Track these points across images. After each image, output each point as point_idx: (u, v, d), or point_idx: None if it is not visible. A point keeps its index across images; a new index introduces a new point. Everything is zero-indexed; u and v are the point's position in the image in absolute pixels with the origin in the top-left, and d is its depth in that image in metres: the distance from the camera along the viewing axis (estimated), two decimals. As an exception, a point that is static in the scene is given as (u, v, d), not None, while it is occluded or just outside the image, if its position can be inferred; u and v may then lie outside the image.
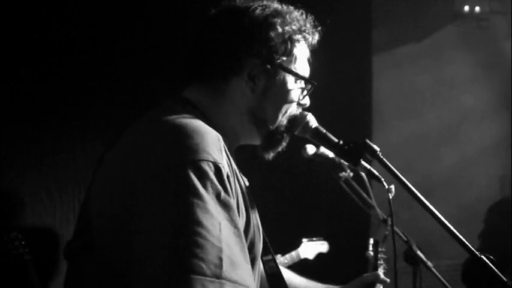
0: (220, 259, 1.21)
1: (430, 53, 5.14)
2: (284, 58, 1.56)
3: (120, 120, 3.71)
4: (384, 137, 4.71)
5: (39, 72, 3.69)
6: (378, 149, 1.67)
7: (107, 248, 1.34)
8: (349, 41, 4.48)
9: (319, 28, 1.66)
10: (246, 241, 1.41)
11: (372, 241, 2.31)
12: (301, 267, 3.64)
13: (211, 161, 1.28)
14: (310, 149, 2.10)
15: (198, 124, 1.37)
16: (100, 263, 1.36)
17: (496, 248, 4.51)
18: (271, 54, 1.54)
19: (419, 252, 2.51)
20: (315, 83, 1.63)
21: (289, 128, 1.64)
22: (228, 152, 1.43)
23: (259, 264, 1.60)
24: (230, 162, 1.42)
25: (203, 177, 1.26)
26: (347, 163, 1.79)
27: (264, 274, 1.70)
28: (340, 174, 2.20)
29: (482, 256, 1.60)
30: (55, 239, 3.74)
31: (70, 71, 3.76)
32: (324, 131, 1.70)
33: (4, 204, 3.63)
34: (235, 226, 1.29)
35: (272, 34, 1.54)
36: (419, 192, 1.64)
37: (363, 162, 1.70)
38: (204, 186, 1.26)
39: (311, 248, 3.87)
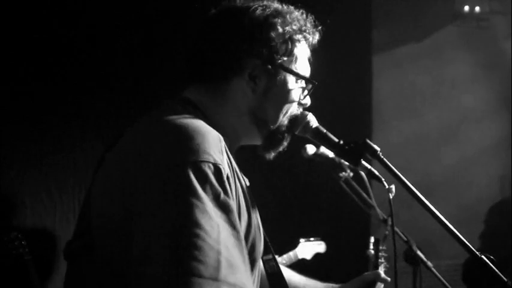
0: (218, 261, 1.21)
1: (430, 53, 5.14)
2: (285, 58, 1.56)
3: (120, 120, 3.71)
4: (383, 137, 4.71)
5: (39, 72, 3.69)
6: (378, 148, 1.67)
7: (107, 248, 1.34)
8: (349, 41, 4.48)
9: (320, 28, 1.66)
10: (248, 242, 1.42)
11: (372, 239, 2.31)
12: (302, 266, 3.64)
13: (211, 162, 1.28)
14: (310, 149, 2.10)
15: (199, 124, 1.37)
16: (100, 263, 1.36)
17: (496, 248, 4.51)
18: (272, 55, 1.54)
19: (419, 252, 2.51)
20: (315, 83, 1.63)
21: (290, 127, 1.64)
22: (228, 153, 1.43)
23: (260, 264, 1.60)
24: (231, 162, 1.42)
25: (203, 178, 1.26)
26: (347, 163, 1.80)
27: (264, 273, 1.70)
28: (340, 174, 2.20)
29: (483, 256, 1.60)
30: (55, 239, 3.74)
31: (70, 71, 3.76)
32: (325, 130, 1.70)
33: (4, 204, 3.63)
34: (234, 228, 1.29)
35: (273, 34, 1.54)
36: (420, 192, 1.64)
37: (363, 162, 1.70)
38: (204, 188, 1.26)
39: (308, 248, 3.88)
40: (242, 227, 1.39)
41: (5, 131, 3.62)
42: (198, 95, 1.56)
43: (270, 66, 1.54)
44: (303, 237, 3.96)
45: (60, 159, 3.79)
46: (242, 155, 1.64)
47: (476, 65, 5.23)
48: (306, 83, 1.63)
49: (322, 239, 4.06)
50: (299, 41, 1.60)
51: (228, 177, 1.32)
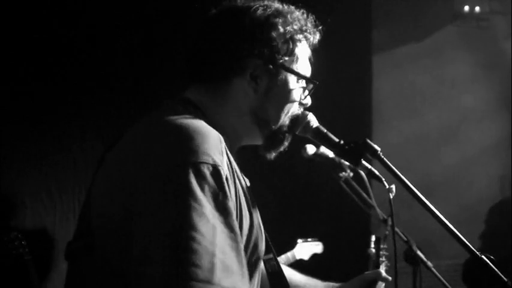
0: (213, 264, 1.21)
1: (430, 53, 5.14)
2: (286, 58, 1.56)
3: (120, 120, 3.71)
4: (383, 137, 4.71)
5: (39, 72, 3.69)
6: (378, 148, 1.67)
7: (107, 248, 1.34)
8: (349, 41, 4.48)
9: (320, 28, 1.66)
10: (250, 242, 1.42)
11: (373, 238, 2.31)
12: (302, 265, 3.65)
13: (210, 164, 1.28)
14: (310, 149, 2.10)
15: (199, 125, 1.37)
16: (100, 264, 1.36)
17: (497, 248, 4.51)
18: (274, 54, 1.53)
19: (419, 252, 2.51)
20: (316, 83, 1.63)
21: (290, 127, 1.64)
22: (229, 153, 1.43)
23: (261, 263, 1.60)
24: (231, 163, 1.42)
25: (202, 180, 1.26)
26: (347, 163, 1.79)
27: (265, 273, 1.70)
28: (340, 174, 2.20)
29: (483, 256, 1.59)
30: (55, 239, 3.74)
31: (70, 71, 3.76)
32: (325, 130, 1.70)
33: (4, 204, 3.63)
34: (232, 230, 1.29)
35: (274, 34, 1.53)
36: (420, 192, 1.64)
37: (363, 162, 1.70)
38: (202, 190, 1.26)
39: (306, 249, 3.89)
40: (244, 227, 1.39)
41: (5, 131, 3.62)
42: (199, 95, 1.56)
43: (271, 66, 1.54)
44: (303, 237, 3.96)
45: (60, 159, 3.79)
46: (242, 155, 1.64)
47: (476, 65, 5.23)
48: (306, 82, 1.63)
49: (322, 239, 4.06)
50: (300, 40, 1.59)
51: (227, 179, 1.32)
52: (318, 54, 1.68)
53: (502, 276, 1.57)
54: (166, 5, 3.90)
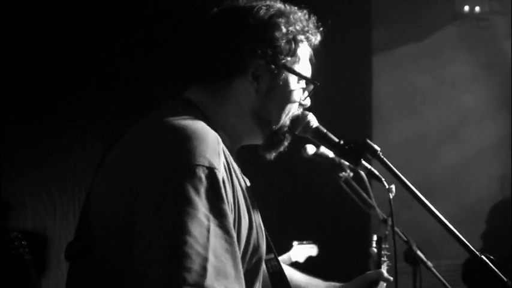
0: (204, 268, 1.21)
1: (430, 53, 5.14)
2: (288, 58, 1.56)
3: (120, 120, 3.72)
4: (383, 137, 4.71)
5: (39, 72, 3.69)
6: (378, 148, 1.67)
7: (107, 248, 1.34)
8: (349, 41, 4.48)
9: (321, 29, 1.66)
10: (250, 243, 1.42)
11: (375, 238, 2.30)
12: (303, 265, 3.65)
13: (206, 166, 1.28)
14: (310, 149, 2.10)
15: (198, 126, 1.37)
16: (100, 264, 1.36)
17: (497, 248, 4.51)
18: (276, 55, 1.53)
19: (419, 252, 2.51)
20: (317, 83, 1.63)
21: (290, 128, 1.64)
22: (228, 154, 1.42)
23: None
24: (230, 163, 1.41)
25: (197, 182, 1.26)
26: (347, 163, 1.79)
27: (266, 273, 1.70)
28: (340, 174, 2.20)
29: (483, 256, 1.59)
30: (55, 239, 3.74)
31: (70, 71, 3.76)
32: (325, 130, 1.70)
33: (4, 204, 3.63)
34: (228, 233, 1.29)
35: (277, 34, 1.53)
36: (420, 192, 1.64)
37: (363, 162, 1.70)
38: (197, 192, 1.26)
39: (301, 251, 3.90)
40: (242, 229, 1.38)
41: (5, 131, 3.62)
42: (199, 95, 1.56)
43: (273, 66, 1.54)
44: (303, 237, 3.96)
45: (60, 159, 3.79)
46: (242, 155, 1.64)
47: (476, 65, 5.23)
48: (307, 83, 1.63)
49: (322, 239, 4.06)
50: (302, 41, 1.59)
51: (224, 181, 1.31)
52: (318, 54, 1.68)
53: (502, 276, 1.57)
54: (166, 5, 3.90)
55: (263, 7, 1.55)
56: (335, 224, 4.55)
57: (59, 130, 3.79)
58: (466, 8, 5.22)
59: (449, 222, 1.62)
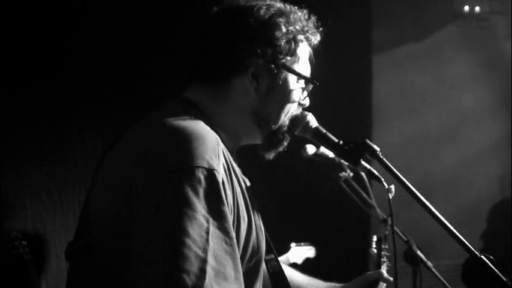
0: (203, 270, 1.21)
1: (430, 53, 5.14)
2: (288, 58, 1.56)
3: (120, 120, 3.72)
4: (383, 137, 4.71)
5: (39, 72, 3.69)
6: (378, 149, 1.67)
7: (107, 248, 1.35)
8: (349, 41, 4.48)
9: (321, 29, 1.66)
10: (249, 243, 1.42)
11: (375, 238, 2.30)
12: (303, 265, 3.65)
13: (205, 168, 1.28)
14: (310, 149, 2.10)
15: (197, 126, 1.37)
16: (100, 264, 1.36)
17: (498, 248, 4.51)
18: (276, 54, 1.53)
19: (419, 252, 2.51)
20: (317, 83, 1.63)
21: (290, 128, 1.64)
22: (227, 154, 1.42)
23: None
24: (230, 164, 1.41)
25: (196, 184, 1.26)
26: (347, 163, 1.79)
27: (266, 273, 1.70)
28: (340, 174, 2.20)
29: (482, 256, 1.59)
30: (55, 239, 3.74)
31: (70, 71, 3.76)
32: (324, 131, 1.70)
33: (4, 204, 3.63)
34: (228, 235, 1.29)
35: (277, 34, 1.53)
36: (419, 192, 1.64)
37: (362, 162, 1.70)
38: (196, 194, 1.26)
39: (299, 253, 3.91)
40: (241, 230, 1.38)
41: (5, 131, 3.62)
42: (199, 94, 1.56)
43: (273, 66, 1.54)
44: (303, 237, 3.97)
45: (60, 159, 3.79)
46: (242, 155, 1.64)
47: (476, 65, 5.23)
48: (306, 83, 1.63)
49: (322, 239, 4.07)
50: (302, 41, 1.59)
51: (223, 182, 1.31)
52: (318, 54, 1.68)
53: (502, 276, 1.57)
54: (166, 4, 3.90)
55: (263, 7, 1.55)
56: (335, 224, 4.55)
57: (59, 130, 3.79)
58: (466, 8, 5.22)
59: (449, 222, 1.62)
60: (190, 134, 1.32)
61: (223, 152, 1.37)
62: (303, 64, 1.61)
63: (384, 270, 2.20)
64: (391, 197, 1.77)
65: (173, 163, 1.28)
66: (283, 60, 1.55)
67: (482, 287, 1.62)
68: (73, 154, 3.81)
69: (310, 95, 1.66)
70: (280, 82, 1.56)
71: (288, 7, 1.60)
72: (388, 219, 2.33)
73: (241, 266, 1.35)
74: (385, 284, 2.06)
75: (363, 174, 1.93)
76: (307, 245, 3.96)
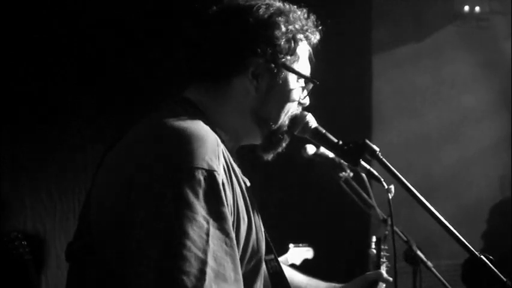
0: (203, 272, 1.21)
1: (430, 53, 5.14)
2: (288, 57, 1.56)
3: (120, 120, 3.71)
4: (383, 137, 4.71)
5: (39, 72, 3.69)
6: (377, 149, 1.67)
7: (107, 248, 1.35)
8: (349, 41, 4.48)
9: (320, 27, 1.66)
10: (249, 244, 1.42)
11: (374, 239, 2.31)
12: (303, 266, 3.65)
13: (205, 169, 1.28)
14: (310, 149, 2.10)
15: (198, 127, 1.37)
16: (100, 264, 1.36)
17: (498, 248, 4.51)
18: (276, 53, 1.53)
19: (419, 252, 2.51)
20: (317, 82, 1.63)
21: (289, 128, 1.64)
22: (227, 155, 1.42)
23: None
24: (230, 164, 1.41)
25: (196, 185, 1.26)
26: (347, 163, 1.79)
27: (266, 273, 1.70)
28: (340, 174, 2.20)
29: (482, 256, 1.60)
30: (55, 239, 3.74)
31: (70, 71, 3.76)
32: (324, 131, 1.70)
33: (4, 204, 3.63)
34: (228, 236, 1.29)
35: (276, 33, 1.53)
36: (419, 192, 1.64)
37: (362, 163, 1.70)
38: (196, 195, 1.26)
39: (298, 254, 3.91)
40: (241, 231, 1.38)
41: (5, 131, 3.62)
42: (199, 94, 1.56)
43: (273, 65, 1.54)
44: (302, 237, 3.97)
45: (60, 159, 3.79)
46: (242, 155, 1.64)
47: (476, 65, 5.23)
48: (306, 82, 1.63)
49: (322, 239, 4.07)
50: (301, 40, 1.59)
51: (223, 184, 1.31)
52: (318, 54, 1.68)
53: (501, 276, 1.57)
54: (166, 4, 3.90)
55: (262, 6, 1.55)
56: (335, 224, 4.55)
57: (59, 130, 3.79)
58: (466, 8, 5.22)
59: (449, 222, 1.62)
60: (190, 135, 1.32)
61: (223, 153, 1.37)
62: (302, 63, 1.61)
63: (383, 270, 2.20)
64: (390, 197, 1.77)
65: (173, 164, 1.28)
66: (283, 60, 1.55)
67: (482, 287, 1.62)
68: (73, 154, 3.81)
69: (310, 95, 1.66)
70: (280, 81, 1.56)
71: (287, 6, 1.60)
72: (388, 219, 2.33)
73: (242, 267, 1.35)
74: (384, 285, 2.06)
75: (362, 174, 1.93)
76: (305, 246, 3.96)
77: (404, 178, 1.64)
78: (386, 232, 2.32)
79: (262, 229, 1.54)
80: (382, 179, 1.73)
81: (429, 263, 2.55)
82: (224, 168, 1.35)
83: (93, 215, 1.41)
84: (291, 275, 1.95)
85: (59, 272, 3.66)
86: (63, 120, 3.79)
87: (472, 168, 5.18)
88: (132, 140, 1.43)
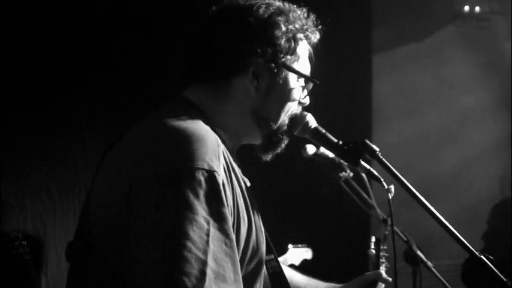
0: (203, 273, 1.21)
1: (430, 53, 5.14)
2: (288, 57, 1.56)
3: (120, 120, 3.72)
4: (383, 137, 4.71)
5: (39, 72, 3.69)
6: (377, 149, 1.67)
7: (107, 248, 1.35)
8: (349, 41, 4.48)
9: (320, 27, 1.65)
10: (249, 244, 1.42)
11: (373, 239, 2.31)
12: (302, 266, 3.65)
13: (206, 169, 1.28)
14: (310, 149, 2.10)
15: (197, 127, 1.37)
16: (100, 264, 1.36)
17: (498, 248, 4.51)
18: (276, 53, 1.53)
19: (419, 252, 2.51)
20: (317, 82, 1.63)
21: (289, 127, 1.64)
22: (228, 155, 1.42)
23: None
24: (230, 165, 1.41)
25: (196, 186, 1.26)
26: (347, 163, 1.79)
27: (266, 273, 1.70)
28: (340, 174, 2.20)
29: (482, 256, 1.59)
30: (55, 239, 3.74)
31: (70, 71, 3.76)
32: (324, 131, 1.70)
33: (4, 204, 3.63)
34: (228, 237, 1.29)
35: (276, 33, 1.53)
36: (419, 192, 1.64)
37: (362, 163, 1.70)
38: (196, 196, 1.26)
39: (297, 254, 3.91)
40: (241, 231, 1.38)
41: (5, 131, 3.62)
42: (198, 94, 1.56)
43: (273, 65, 1.54)
44: (302, 237, 3.97)
45: (60, 159, 3.79)
46: (242, 155, 1.64)
47: (476, 65, 5.23)
48: (306, 82, 1.62)
49: (322, 239, 4.07)
50: (301, 39, 1.59)
51: (223, 184, 1.31)
52: (318, 54, 1.68)
53: (501, 276, 1.57)
54: (166, 4, 3.90)
55: (262, 5, 1.55)
56: (335, 224, 4.55)
57: (59, 130, 3.79)
58: (466, 8, 5.22)
59: (449, 222, 1.62)
60: (190, 135, 1.32)
61: (223, 153, 1.37)
62: (303, 63, 1.61)
63: (382, 270, 2.20)
64: (390, 197, 1.77)
65: (173, 164, 1.28)
66: (283, 59, 1.55)
67: (482, 287, 1.62)
68: (73, 154, 3.81)
69: (310, 95, 1.66)
70: (281, 81, 1.56)
71: (287, 6, 1.60)
72: (388, 219, 2.33)
73: (242, 267, 1.35)
74: (383, 285, 2.06)
75: (362, 174, 1.93)
76: (304, 247, 3.97)
77: (404, 178, 1.63)
78: (386, 232, 2.32)
79: (263, 229, 1.54)
80: (382, 179, 1.73)
81: (429, 263, 2.54)
82: (224, 169, 1.35)
83: (93, 215, 1.42)
84: (291, 275, 1.95)
85: (59, 272, 3.65)
86: (63, 120, 3.79)
87: (472, 168, 5.18)
88: (132, 140, 1.43)
